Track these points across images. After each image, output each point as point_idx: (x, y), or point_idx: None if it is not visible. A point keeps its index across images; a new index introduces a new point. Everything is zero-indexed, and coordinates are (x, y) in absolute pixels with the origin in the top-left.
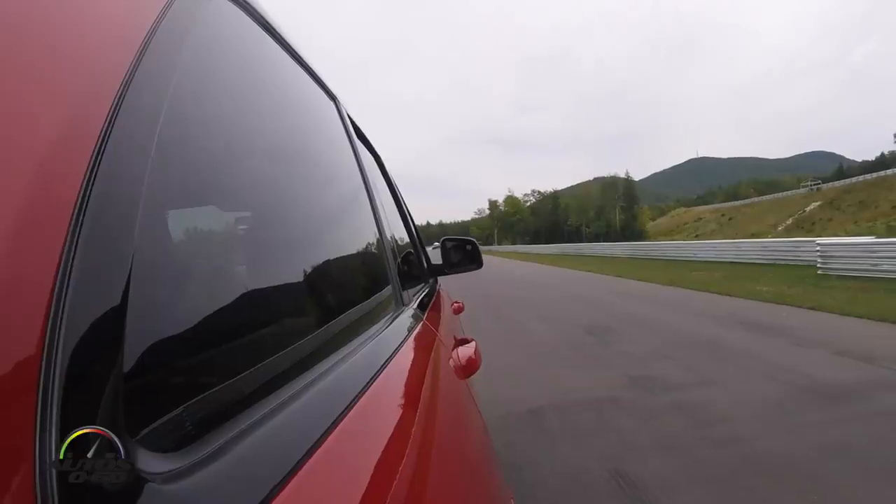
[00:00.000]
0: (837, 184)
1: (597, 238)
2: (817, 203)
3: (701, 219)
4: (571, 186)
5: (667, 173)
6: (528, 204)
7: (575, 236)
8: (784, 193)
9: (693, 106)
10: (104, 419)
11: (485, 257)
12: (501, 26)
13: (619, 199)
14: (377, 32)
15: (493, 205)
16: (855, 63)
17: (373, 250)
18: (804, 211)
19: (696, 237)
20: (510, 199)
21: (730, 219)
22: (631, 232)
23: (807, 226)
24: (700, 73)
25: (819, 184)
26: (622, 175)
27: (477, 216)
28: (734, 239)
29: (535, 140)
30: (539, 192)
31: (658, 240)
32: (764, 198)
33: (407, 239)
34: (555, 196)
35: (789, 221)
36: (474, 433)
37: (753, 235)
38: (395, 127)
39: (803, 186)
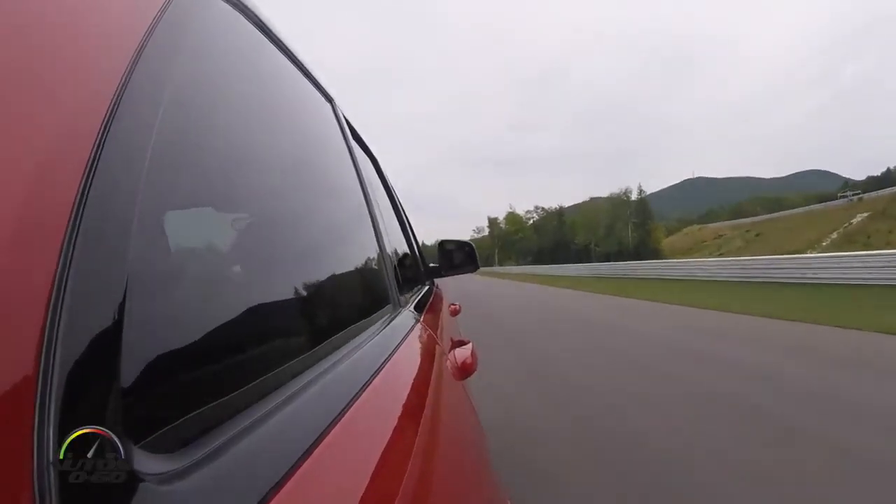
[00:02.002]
0: (882, 193)
1: (607, 258)
2: (865, 214)
3: (721, 235)
4: (577, 204)
5: (663, 193)
6: (531, 221)
7: (583, 255)
8: (816, 206)
9: (688, 126)
10: (104, 419)
11: (488, 281)
12: (498, 48)
13: (631, 216)
14: (374, 51)
15: (492, 222)
16: (846, 83)
17: (369, 252)
18: (850, 223)
19: (720, 255)
20: (511, 217)
21: (757, 235)
22: (645, 250)
23: (860, 239)
24: (694, 93)
25: (860, 193)
26: (633, 190)
27: (476, 234)
28: (770, 256)
29: (531, 161)
30: (542, 208)
31: (676, 258)
32: (793, 211)
33: (404, 241)
34: (560, 213)
35: (834, 235)
36: (471, 435)
37: (796, 252)
38: (392, 145)
39: (841, 196)
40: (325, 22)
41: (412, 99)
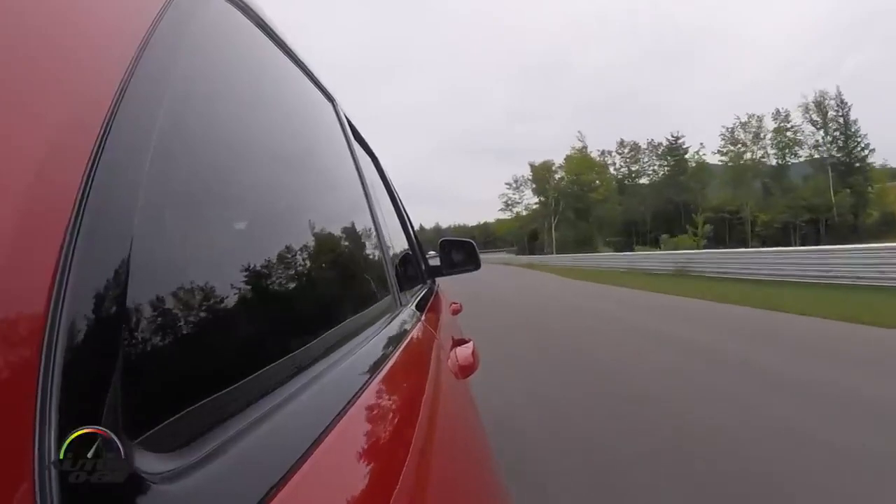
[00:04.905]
0: None
1: (785, 238)
2: None
3: None
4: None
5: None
6: (616, 171)
7: (727, 234)
8: None
9: (693, 112)
10: (104, 419)
11: None
12: (498, 38)
13: (830, 160)
14: (373, 43)
15: (540, 172)
16: (854, 70)
17: (370, 251)
18: None
19: None
20: (579, 160)
21: None
22: (861, 226)
23: None
24: (699, 78)
25: None
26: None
27: (511, 192)
28: None
29: (534, 150)
30: (635, 144)
31: None
32: None
33: (405, 240)
34: (679, 149)
35: None
36: (473, 434)
37: None
38: (393, 136)
39: None
40: (323, 12)
41: (413, 89)
